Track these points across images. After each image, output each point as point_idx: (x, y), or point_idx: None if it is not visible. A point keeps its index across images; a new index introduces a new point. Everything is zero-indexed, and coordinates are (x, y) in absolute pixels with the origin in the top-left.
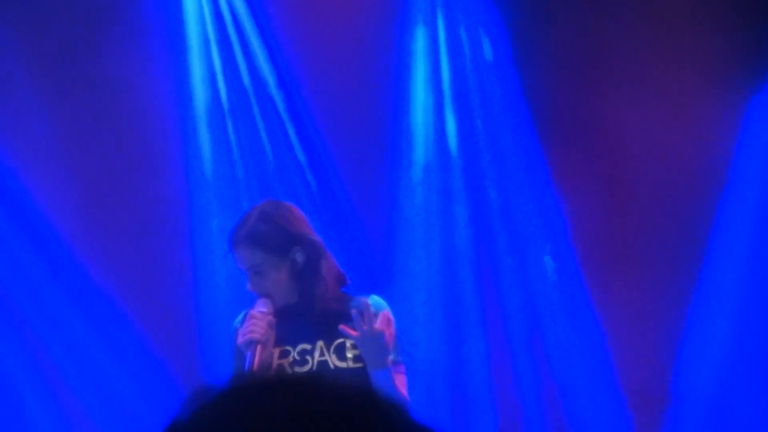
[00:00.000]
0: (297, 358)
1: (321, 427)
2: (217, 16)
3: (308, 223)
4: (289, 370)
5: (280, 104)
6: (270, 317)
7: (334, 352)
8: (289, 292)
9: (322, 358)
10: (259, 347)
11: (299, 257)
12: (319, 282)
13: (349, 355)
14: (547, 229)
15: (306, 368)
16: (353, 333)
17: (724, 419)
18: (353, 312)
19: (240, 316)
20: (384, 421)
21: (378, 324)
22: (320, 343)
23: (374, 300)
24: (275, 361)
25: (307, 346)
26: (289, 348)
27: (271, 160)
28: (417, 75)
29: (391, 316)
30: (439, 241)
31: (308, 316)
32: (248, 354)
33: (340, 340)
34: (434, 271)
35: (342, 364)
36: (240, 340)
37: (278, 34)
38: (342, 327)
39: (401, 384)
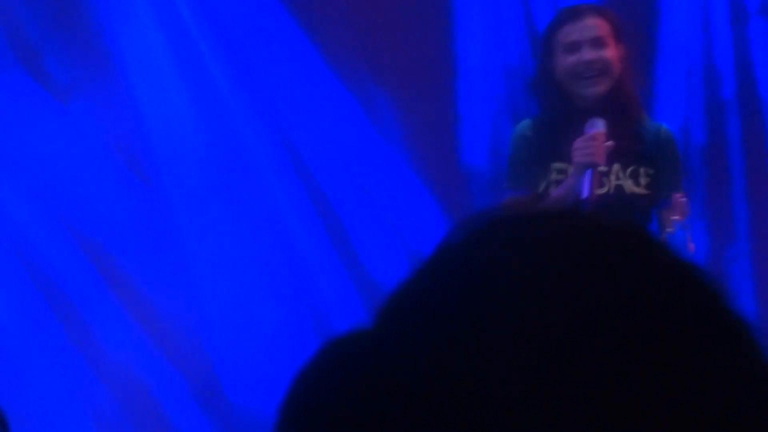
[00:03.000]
0: None
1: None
2: None
3: None
4: None
5: None
6: (611, 142)
7: (630, 176)
8: (614, 80)
9: (618, 182)
10: (596, 173)
11: (622, 49)
12: (633, 81)
13: (643, 181)
14: None
15: (603, 191)
16: None
17: None
18: None
19: (524, 123)
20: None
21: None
22: (616, 167)
23: (669, 130)
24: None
25: (604, 169)
26: None
27: None
28: None
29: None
30: None
31: (611, 131)
32: (586, 178)
33: (634, 165)
34: None
35: (637, 190)
36: (579, 158)
37: None
38: None
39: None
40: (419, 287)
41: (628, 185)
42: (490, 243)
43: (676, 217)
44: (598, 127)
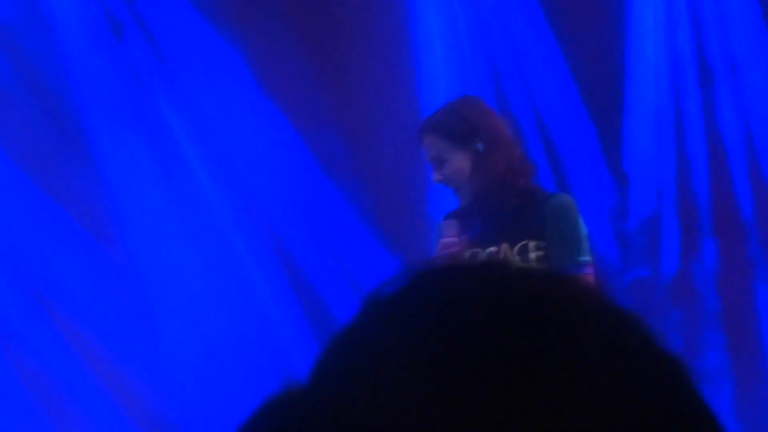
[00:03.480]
0: None
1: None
2: None
3: (496, 117)
4: None
5: None
6: (465, 238)
7: (518, 253)
8: (474, 183)
9: None
10: None
11: (480, 147)
12: (500, 173)
13: (533, 255)
14: None
15: None
16: None
17: None
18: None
19: (446, 215)
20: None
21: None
22: (505, 246)
23: (562, 199)
24: None
25: (494, 249)
26: (478, 250)
27: None
28: None
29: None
30: None
31: (495, 214)
32: None
33: (524, 241)
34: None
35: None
36: None
37: None
38: None
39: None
40: (351, 343)
41: (515, 263)
42: (421, 298)
43: None
44: (450, 233)
